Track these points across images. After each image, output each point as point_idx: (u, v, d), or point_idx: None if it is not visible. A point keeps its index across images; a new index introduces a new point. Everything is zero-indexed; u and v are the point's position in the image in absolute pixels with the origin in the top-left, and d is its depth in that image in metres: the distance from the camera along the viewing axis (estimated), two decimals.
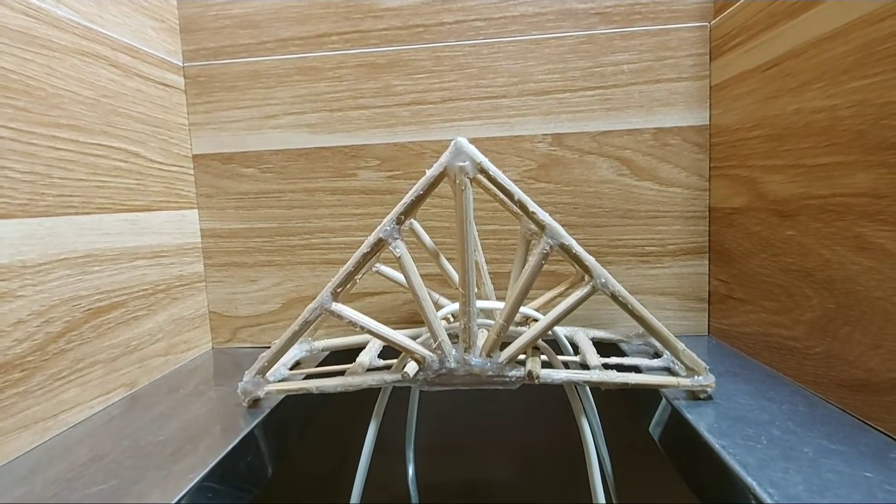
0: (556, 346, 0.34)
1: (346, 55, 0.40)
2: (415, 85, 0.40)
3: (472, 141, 0.39)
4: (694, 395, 0.28)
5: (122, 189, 0.34)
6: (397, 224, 0.26)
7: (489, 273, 0.35)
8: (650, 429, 0.32)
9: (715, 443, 0.23)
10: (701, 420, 0.26)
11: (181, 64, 0.41)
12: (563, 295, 0.33)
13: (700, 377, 0.28)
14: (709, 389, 0.28)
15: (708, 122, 0.38)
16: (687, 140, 0.39)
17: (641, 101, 0.38)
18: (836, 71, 0.25)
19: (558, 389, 0.29)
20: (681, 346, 0.27)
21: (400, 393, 0.35)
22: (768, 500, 0.19)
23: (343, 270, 0.27)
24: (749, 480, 0.20)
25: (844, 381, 0.26)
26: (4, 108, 0.25)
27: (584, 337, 0.36)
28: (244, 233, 0.43)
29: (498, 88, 0.39)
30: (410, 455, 0.40)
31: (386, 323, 0.28)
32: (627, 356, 0.34)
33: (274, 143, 0.42)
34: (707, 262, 0.39)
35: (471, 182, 0.26)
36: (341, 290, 0.27)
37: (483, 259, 0.35)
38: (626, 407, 0.39)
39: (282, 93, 0.41)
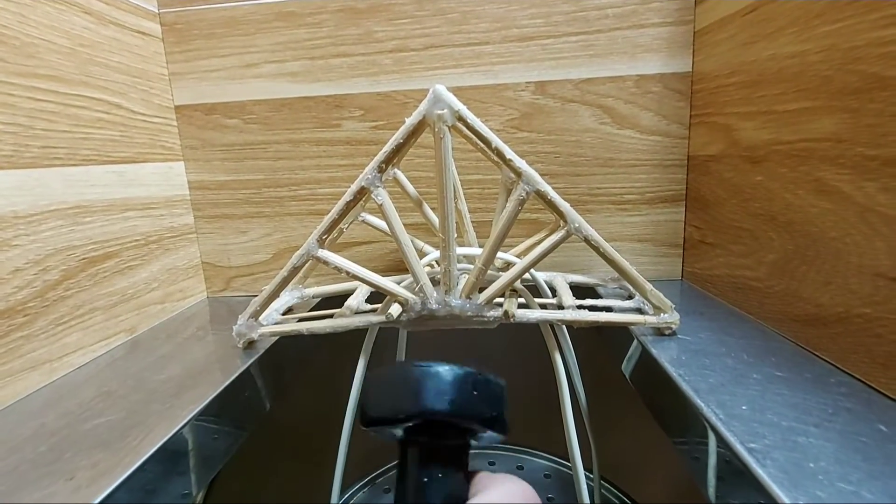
0: (536, 290, 0.36)
1: None
2: (396, 31, 0.39)
3: (456, 90, 0.40)
4: (660, 332, 0.30)
5: (106, 141, 0.34)
6: (379, 172, 0.27)
7: (472, 221, 0.36)
8: (622, 365, 0.34)
9: (673, 372, 0.25)
10: (664, 353, 0.28)
11: (156, 10, 0.40)
12: (541, 241, 0.34)
13: (665, 315, 0.30)
14: (673, 326, 0.30)
15: (690, 69, 0.38)
16: (669, 87, 0.39)
17: (625, 47, 0.38)
18: (810, 15, 0.26)
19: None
20: (649, 286, 0.29)
21: (390, 337, 0.37)
22: (714, 419, 0.21)
23: (328, 218, 0.28)
24: (698, 402, 0.22)
25: (798, 316, 0.28)
26: None
27: (562, 281, 0.37)
28: (232, 185, 0.43)
29: (481, 34, 0.39)
30: None
31: (374, 271, 0.29)
32: (603, 298, 0.36)
33: (256, 93, 0.41)
34: (683, 210, 0.41)
35: (450, 130, 0.26)
36: (327, 238, 0.29)
37: (466, 207, 0.36)
38: (602, 346, 0.41)
39: (261, 40, 0.40)
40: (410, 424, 0.18)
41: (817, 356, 0.27)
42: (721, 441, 0.20)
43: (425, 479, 0.18)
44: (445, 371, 0.17)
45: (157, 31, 0.40)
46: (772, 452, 0.18)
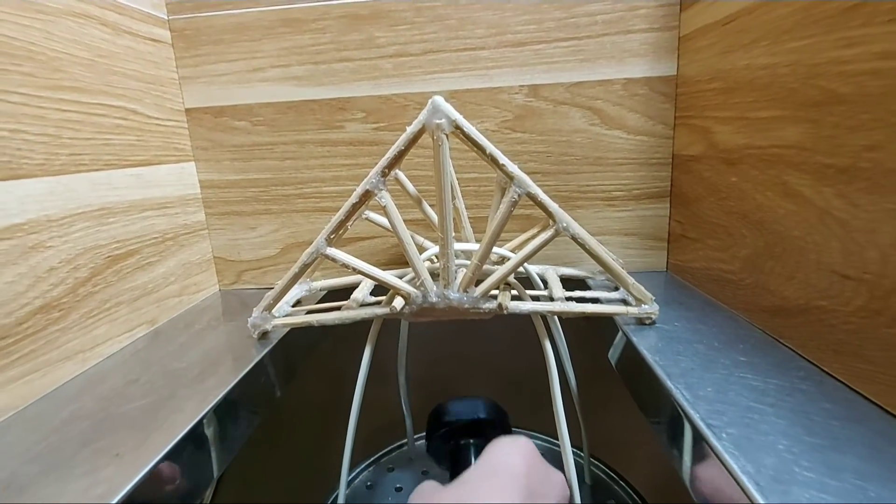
0: (529, 283, 0.39)
1: (329, 6, 0.41)
2: (396, 37, 0.41)
3: (452, 93, 0.42)
4: (641, 322, 0.33)
5: (125, 145, 0.36)
6: (382, 176, 0.29)
7: (469, 217, 0.39)
8: (609, 353, 0.37)
9: (649, 358, 0.28)
10: (643, 341, 0.30)
11: (166, 17, 0.42)
12: (534, 237, 0.37)
13: (646, 306, 0.32)
14: (653, 316, 0.32)
15: (675, 73, 0.40)
16: (655, 90, 0.41)
17: (613, 52, 0.40)
18: (780, 30, 0.28)
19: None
20: (630, 279, 0.32)
21: (393, 329, 0.39)
22: (682, 400, 0.24)
23: (335, 219, 0.30)
24: (669, 384, 0.25)
25: (766, 307, 0.31)
26: (13, 75, 0.28)
27: (553, 274, 0.40)
28: (241, 183, 0.45)
29: (477, 40, 0.41)
30: (403, 381, 0.46)
31: (376, 264, 0.32)
32: (591, 290, 0.39)
33: (262, 97, 0.43)
34: (668, 206, 0.43)
35: (447, 137, 0.29)
36: (334, 237, 0.31)
37: (463, 205, 0.39)
38: (592, 336, 0.44)
39: (267, 45, 0.42)
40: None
41: (782, 343, 0.29)
42: (687, 419, 0.23)
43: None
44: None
45: (168, 38, 0.42)
46: (728, 428, 0.21)
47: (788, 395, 0.24)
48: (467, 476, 0.25)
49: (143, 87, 0.38)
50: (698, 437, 0.21)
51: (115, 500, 0.20)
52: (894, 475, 0.18)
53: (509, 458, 0.25)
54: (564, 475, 0.29)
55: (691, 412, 0.22)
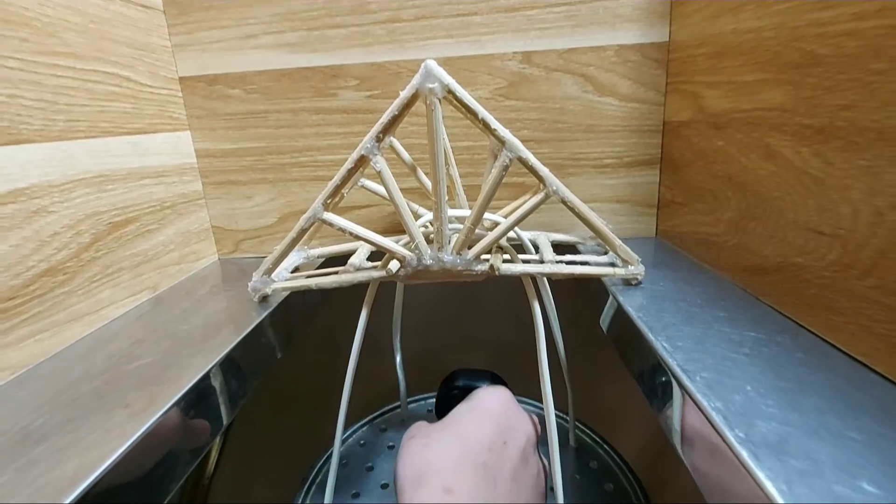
0: (522, 249, 0.40)
1: None
2: (389, 2, 0.41)
3: (446, 60, 0.42)
4: (627, 282, 0.34)
5: (120, 113, 0.36)
6: (377, 142, 0.30)
7: (463, 185, 0.40)
8: (600, 318, 0.38)
9: (634, 314, 0.29)
10: (629, 300, 0.32)
11: None
12: (526, 203, 0.38)
13: (632, 267, 0.33)
14: (639, 277, 0.34)
15: (668, 40, 0.41)
16: (647, 56, 0.41)
17: (606, 18, 0.40)
18: None
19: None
20: (618, 241, 0.33)
21: (389, 291, 0.40)
22: (661, 350, 0.25)
23: (331, 184, 0.31)
24: (650, 336, 0.26)
25: (747, 266, 0.32)
26: (9, 41, 0.28)
27: (544, 239, 0.41)
28: (236, 152, 0.46)
29: (469, 5, 0.41)
30: (398, 345, 0.47)
31: (373, 232, 0.33)
32: (581, 255, 0.40)
33: (256, 64, 0.43)
34: (658, 172, 0.44)
35: (440, 102, 0.29)
36: (331, 202, 0.32)
37: (457, 172, 0.39)
38: (586, 305, 0.45)
39: (259, 11, 0.42)
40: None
41: (761, 301, 0.31)
42: (665, 366, 0.24)
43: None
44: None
45: (159, 4, 0.42)
46: (702, 372, 0.23)
47: (764, 346, 0.25)
48: (451, 414, 0.29)
49: (135, 54, 0.38)
50: (675, 381, 0.23)
51: (127, 444, 0.21)
52: (852, 410, 0.20)
53: (488, 400, 0.30)
54: (547, 436, 0.31)
55: (669, 360, 0.24)
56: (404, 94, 0.29)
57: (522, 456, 0.27)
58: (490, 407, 0.29)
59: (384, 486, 0.41)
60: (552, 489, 0.30)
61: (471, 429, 0.27)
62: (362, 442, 0.48)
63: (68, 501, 0.18)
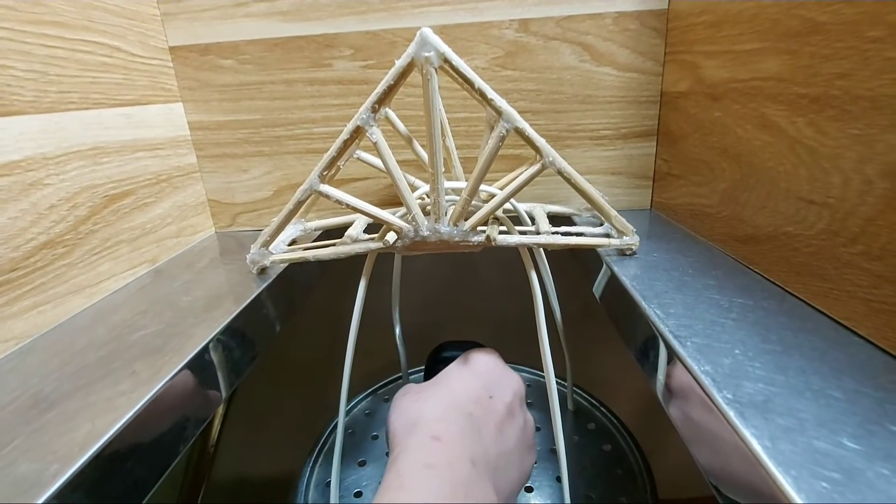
0: (518, 221, 0.40)
1: None
2: None
3: (442, 28, 0.41)
4: (622, 253, 0.35)
5: (112, 84, 0.36)
6: (372, 112, 0.30)
7: (459, 157, 0.40)
8: (594, 287, 0.39)
9: (627, 283, 0.30)
10: (623, 269, 0.32)
11: None
12: (522, 174, 0.38)
13: (627, 237, 0.34)
14: (633, 247, 0.34)
15: (667, 7, 0.40)
16: (645, 25, 0.41)
17: None
18: None
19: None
20: (613, 212, 0.33)
21: (386, 263, 0.41)
22: (654, 317, 0.26)
23: (327, 155, 0.31)
24: (643, 304, 0.27)
25: (739, 236, 0.32)
26: None
27: (541, 211, 0.41)
28: (230, 125, 0.45)
29: None
30: (397, 317, 0.48)
31: (369, 204, 0.33)
32: (577, 226, 0.40)
33: (249, 33, 0.43)
34: (655, 144, 0.44)
35: (437, 71, 0.29)
36: (327, 174, 0.32)
37: (453, 144, 0.39)
38: (583, 277, 0.46)
39: None
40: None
41: (751, 270, 0.31)
42: (658, 332, 0.25)
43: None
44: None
45: None
46: (692, 337, 0.23)
47: (751, 311, 0.26)
48: (441, 373, 0.31)
49: (124, 23, 0.37)
50: (666, 346, 0.24)
51: (135, 409, 0.22)
52: (834, 371, 0.20)
53: (475, 360, 0.32)
54: (548, 401, 0.32)
55: (661, 326, 0.25)
56: (400, 63, 0.29)
57: (508, 409, 0.29)
58: (477, 366, 0.31)
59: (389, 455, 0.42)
60: (552, 450, 0.31)
61: (458, 385, 0.29)
62: (367, 411, 0.49)
63: (83, 460, 0.19)
